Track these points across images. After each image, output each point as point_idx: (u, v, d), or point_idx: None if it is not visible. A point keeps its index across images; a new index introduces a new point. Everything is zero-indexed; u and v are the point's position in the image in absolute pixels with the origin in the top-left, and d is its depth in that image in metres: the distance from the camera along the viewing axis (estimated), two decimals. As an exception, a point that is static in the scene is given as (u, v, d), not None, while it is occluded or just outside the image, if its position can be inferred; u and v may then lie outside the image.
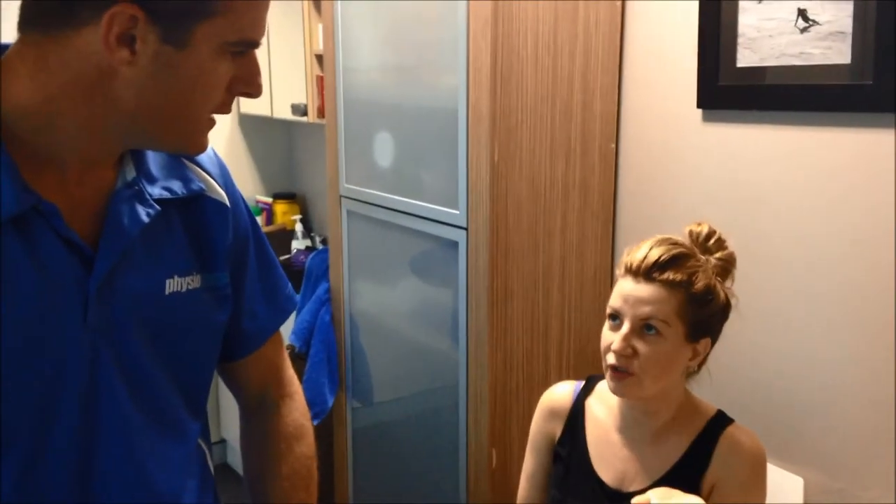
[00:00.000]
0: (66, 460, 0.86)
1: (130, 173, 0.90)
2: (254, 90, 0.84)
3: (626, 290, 1.32)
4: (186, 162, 0.97)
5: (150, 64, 0.79)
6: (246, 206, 1.07)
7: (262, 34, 0.83)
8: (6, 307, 0.79)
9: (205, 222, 0.98)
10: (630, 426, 1.40)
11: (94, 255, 0.85)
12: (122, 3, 0.76)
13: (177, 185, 0.94)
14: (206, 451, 1.06)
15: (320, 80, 2.92)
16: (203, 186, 0.97)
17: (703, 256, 1.35)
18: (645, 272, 1.30)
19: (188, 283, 0.94)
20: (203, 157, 1.00)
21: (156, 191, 0.92)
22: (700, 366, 1.38)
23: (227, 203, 1.01)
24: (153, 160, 0.93)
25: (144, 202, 0.90)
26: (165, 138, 0.85)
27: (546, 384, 1.59)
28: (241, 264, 1.05)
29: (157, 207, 0.91)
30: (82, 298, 0.84)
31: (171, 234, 0.94)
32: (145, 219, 0.89)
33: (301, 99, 3.12)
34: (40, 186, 0.82)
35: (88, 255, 0.85)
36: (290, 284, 1.17)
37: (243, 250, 1.05)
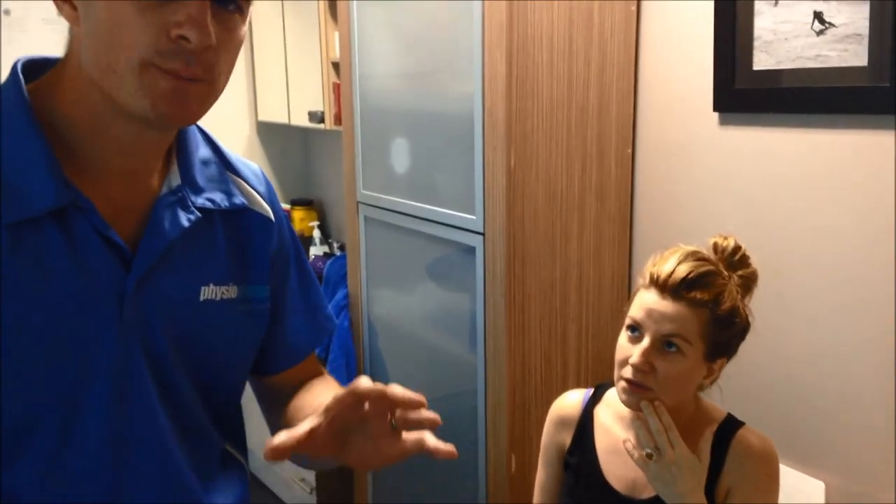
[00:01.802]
0: (96, 452, 0.87)
1: (175, 181, 0.94)
2: (186, 32, 0.79)
3: (649, 304, 1.29)
4: (232, 176, 1.00)
5: (84, 15, 0.82)
6: (289, 225, 1.09)
7: None
8: (43, 295, 0.82)
9: (248, 235, 1.00)
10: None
11: (134, 255, 0.88)
12: None
13: (219, 197, 0.97)
14: (243, 463, 1.08)
15: (337, 87, 2.94)
16: (245, 202, 1.00)
17: (727, 273, 1.33)
18: (672, 288, 1.28)
19: (223, 293, 0.96)
20: (250, 175, 1.03)
21: (199, 200, 0.94)
22: (712, 383, 1.37)
23: (272, 218, 1.03)
24: (200, 172, 0.96)
25: (187, 209, 0.93)
26: (123, 96, 0.83)
27: (564, 389, 1.59)
28: (283, 280, 1.07)
29: (199, 214, 0.93)
30: (119, 295, 0.86)
31: (212, 242, 0.96)
32: (186, 224, 0.92)
33: (318, 106, 3.14)
34: (85, 189, 0.86)
35: (128, 255, 0.87)
36: (329, 306, 1.18)
37: (285, 266, 1.07)
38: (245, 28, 0.87)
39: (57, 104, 0.87)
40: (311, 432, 0.80)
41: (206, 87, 0.84)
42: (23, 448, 0.85)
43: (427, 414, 0.81)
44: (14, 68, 0.88)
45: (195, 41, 0.79)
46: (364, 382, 0.80)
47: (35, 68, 0.90)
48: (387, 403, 0.81)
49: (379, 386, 0.80)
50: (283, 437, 0.79)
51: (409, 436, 0.84)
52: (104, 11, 0.80)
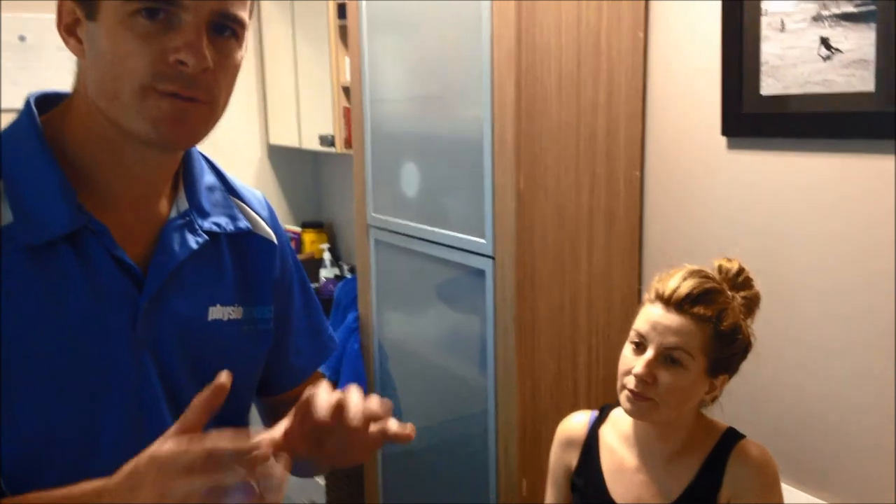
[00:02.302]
0: (114, 468, 0.88)
1: (183, 205, 0.98)
2: (183, 57, 0.83)
3: (654, 317, 1.33)
4: (237, 201, 1.04)
5: (89, 48, 0.86)
6: (292, 249, 1.12)
7: None
8: (59, 316, 0.85)
9: (252, 257, 1.03)
10: (644, 450, 1.41)
11: (145, 276, 0.91)
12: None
13: (224, 221, 1.01)
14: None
15: (347, 111, 2.97)
16: (249, 226, 1.03)
17: (730, 292, 1.36)
18: (676, 303, 1.31)
19: (230, 313, 0.99)
20: (253, 200, 1.07)
21: (206, 224, 0.98)
22: (713, 400, 1.39)
23: (275, 241, 1.07)
24: (206, 197, 1.00)
25: (195, 232, 0.97)
26: (127, 121, 0.86)
27: (575, 411, 1.60)
28: (287, 302, 1.10)
29: (206, 237, 0.97)
30: (132, 314, 0.90)
31: (219, 264, 0.99)
32: (194, 246, 0.96)
33: (328, 130, 3.17)
34: (97, 214, 0.89)
35: (139, 275, 0.91)
36: (330, 327, 1.21)
37: (288, 289, 1.10)
38: (242, 52, 0.91)
39: (68, 134, 0.91)
40: (286, 434, 0.88)
41: (207, 108, 0.88)
42: (43, 466, 0.87)
43: (379, 404, 0.90)
44: (27, 102, 0.92)
45: (192, 65, 0.83)
46: (319, 396, 0.87)
47: (47, 102, 0.94)
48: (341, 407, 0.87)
49: (326, 400, 0.87)
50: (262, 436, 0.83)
51: (374, 427, 0.90)
52: (107, 43, 0.84)
